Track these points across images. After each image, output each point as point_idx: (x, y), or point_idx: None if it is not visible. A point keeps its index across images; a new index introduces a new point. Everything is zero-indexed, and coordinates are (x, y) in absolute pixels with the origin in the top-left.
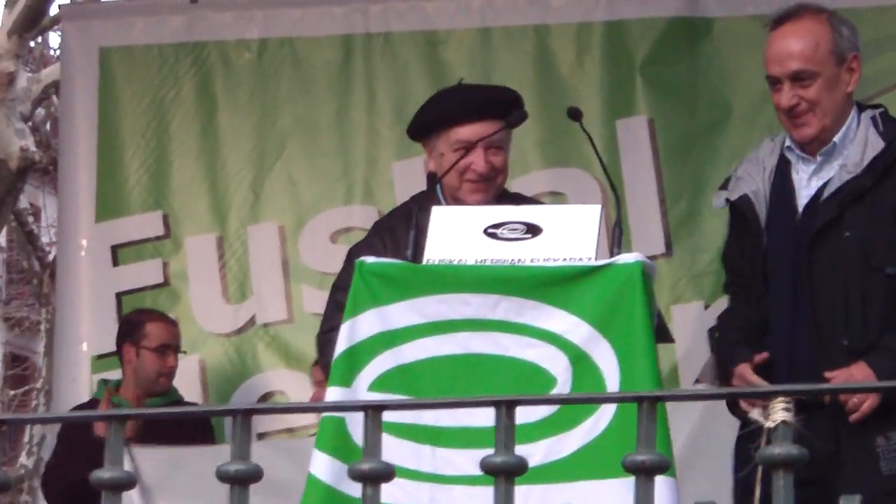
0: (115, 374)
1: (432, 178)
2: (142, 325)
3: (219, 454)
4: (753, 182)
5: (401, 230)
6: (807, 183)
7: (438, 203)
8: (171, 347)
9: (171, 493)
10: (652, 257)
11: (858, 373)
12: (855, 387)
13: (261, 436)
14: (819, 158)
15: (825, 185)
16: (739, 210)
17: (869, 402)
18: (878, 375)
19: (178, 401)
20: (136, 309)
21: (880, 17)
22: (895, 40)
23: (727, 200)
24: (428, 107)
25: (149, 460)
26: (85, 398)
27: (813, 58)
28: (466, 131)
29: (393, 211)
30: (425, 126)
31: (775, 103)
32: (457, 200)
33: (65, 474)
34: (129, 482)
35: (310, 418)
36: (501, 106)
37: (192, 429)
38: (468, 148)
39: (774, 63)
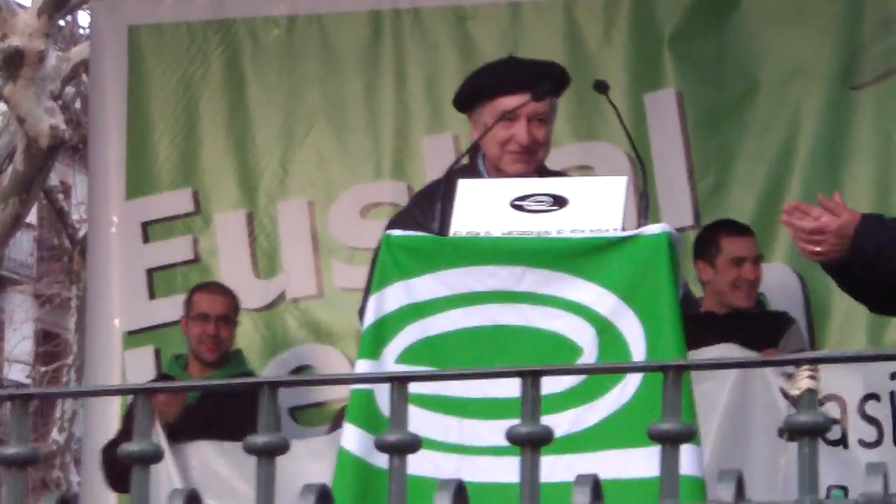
0: (148, 352)
1: (475, 148)
2: (191, 296)
3: None
4: None
5: (436, 202)
6: None
7: (478, 174)
8: (211, 317)
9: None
10: (681, 229)
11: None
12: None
13: (292, 411)
14: None
15: None
16: None
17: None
18: (861, 230)
19: (245, 373)
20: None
21: None
22: None
23: None
24: (474, 77)
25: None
26: (117, 375)
27: None
28: (509, 101)
29: (433, 182)
30: (470, 95)
31: None
32: (498, 172)
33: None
34: (156, 455)
35: (341, 392)
36: (547, 79)
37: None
38: (510, 118)
39: None
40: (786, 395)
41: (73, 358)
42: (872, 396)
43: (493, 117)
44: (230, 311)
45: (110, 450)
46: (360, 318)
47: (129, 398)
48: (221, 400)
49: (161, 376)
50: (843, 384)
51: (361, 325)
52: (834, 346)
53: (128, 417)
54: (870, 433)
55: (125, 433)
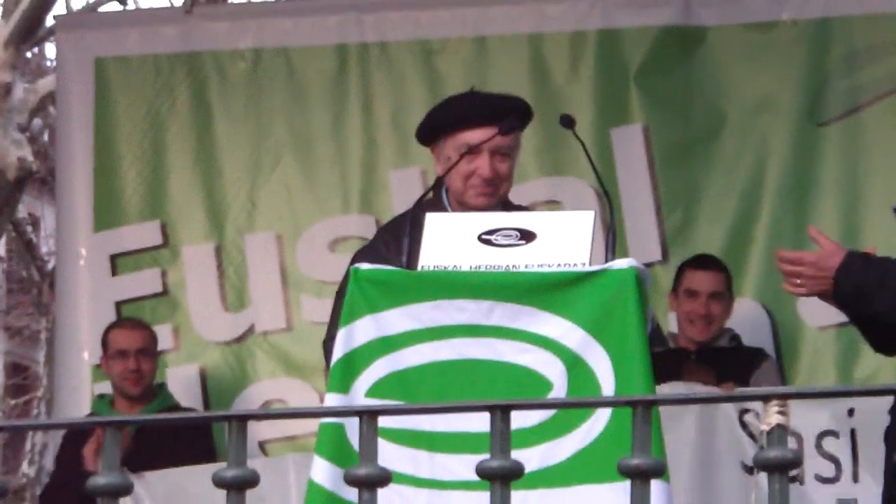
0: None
1: (438, 182)
2: (107, 336)
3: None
4: None
5: (403, 236)
6: None
7: (442, 208)
8: (130, 352)
9: None
10: (648, 265)
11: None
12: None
13: (262, 445)
14: None
15: None
16: None
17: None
18: (842, 268)
19: (173, 406)
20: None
21: (872, 25)
22: (887, 48)
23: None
24: (437, 110)
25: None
26: (86, 407)
27: None
28: (473, 135)
29: (398, 216)
30: (433, 128)
31: None
32: (462, 205)
33: (61, 500)
34: (125, 488)
35: (311, 425)
36: (510, 113)
37: (191, 436)
38: (474, 152)
39: None
40: (745, 427)
41: (42, 390)
42: (830, 433)
43: (456, 151)
44: (148, 343)
45: (48, 494)
46: (324, 351)
47: (59, 440)
48: (157, 434)
49: (92, 416)
50: (801, 420)
51: (326, 358)
52: (803, 382)
53: (60, 459)
54: (828, 469)
55: (62, 474)
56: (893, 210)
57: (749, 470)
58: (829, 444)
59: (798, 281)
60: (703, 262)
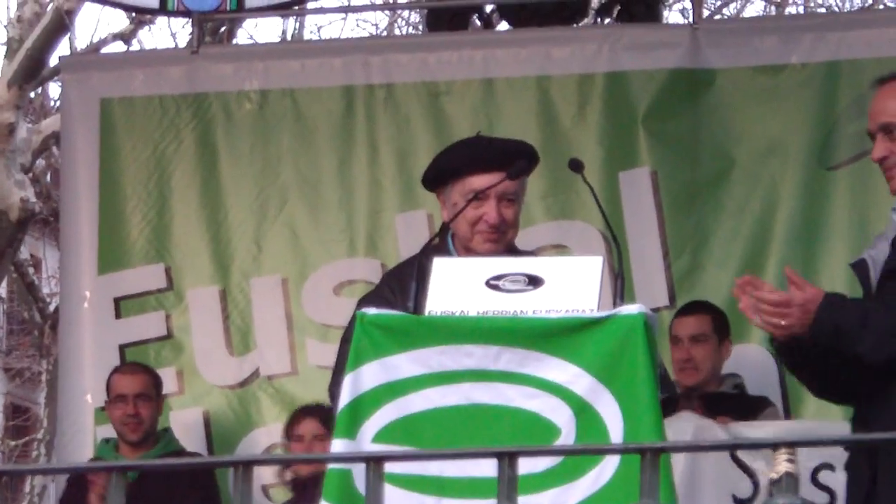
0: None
1: (444, 228)
2: (109, 381)
3: None
4: (875, 247)
5: (409, 281)
6: None
7: (448, 253)
8: (129, 397)
9: None
10: (655, 310)
11: (812, 291)
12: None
13: (265, 489)
14: None
15: None
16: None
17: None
18: (823, 308)
19: (176, 451)
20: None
21: (882, 68)
22: None
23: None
24: (443, 155)
25: None
26: (89, 450)
27: None
28: (479, 181)
29: (403, 262)
30: (439, 174)
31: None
32: (468, 251)
33: None
34: None
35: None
36: (517, 159)
37: (194, 482)
38: (480, 198)
39: (870, 118)
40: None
41: (42, 432)
42: (826, 466)
43: (462, 196)
44: (148, 388)
45: None
46: (329, 396)
47: (62, 483)
48: (158, 479)
49: (96, 459)
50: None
51: (332, 403)
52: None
53: (64, 503)
54: (821, 498)
55: None
56: (851, 266)
57: (740, 503)
58: (825, 477)
59: (783, 323)
60: (687, 307)
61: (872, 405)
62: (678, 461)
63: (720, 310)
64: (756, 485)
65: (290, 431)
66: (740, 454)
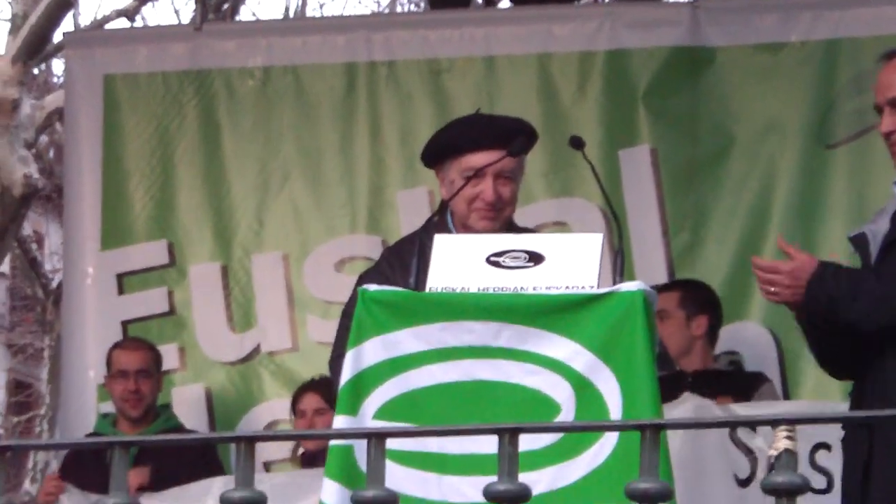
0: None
1: (443, 206)
2: (110, 355)
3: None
4: (875, 221)
5: (409, 258)
6: None
7: (448, 231)
8: (130, 372)
9: None
10: (655, 287)
11: (802, 258)
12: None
13: (267, 465)
14: None
15: None
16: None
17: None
18: (815, 277)
19: (175, 427)
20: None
21: (881, 46)
22: None
23: (849, 237)
24: (441, 133)
25: None
26: (91, 426)
27: None
28: (477, 159)
29: (403, 238)
30: (438, 152)
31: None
32: (466, 228)
33: None
34: None
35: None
36: (514, 136)
37: (195, 457)
38: (478, 175)
39: (877, 92)
40: (736, 442)
41: (45, 408)
42: (823, 446)
43: (459, 174)
44: (149, 365)
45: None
46: (330, 370)
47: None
48: (159, 456)
49: (94, 434)
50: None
51: (332, 377)
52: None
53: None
54: (819, 481)
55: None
56: (849, 239)
57: (742, 483)
58: (822, 458)
59: (773, 288)
60: (663, 286)
61: (867, 377)
62: (674, 443)
63: (700, 284)
64: (754, 461)
65: (294, 407)
66: (740, 435)
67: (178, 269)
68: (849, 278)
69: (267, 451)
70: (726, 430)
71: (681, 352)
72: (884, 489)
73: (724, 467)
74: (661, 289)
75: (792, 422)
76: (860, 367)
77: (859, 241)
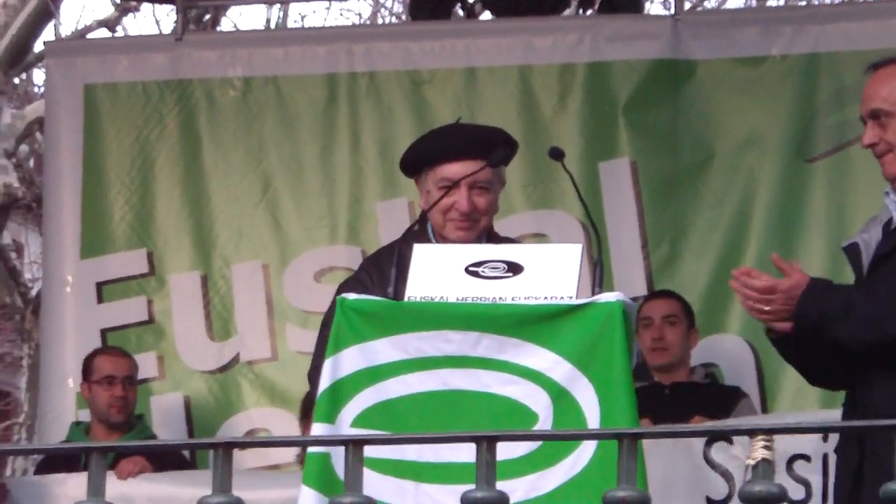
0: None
1: (423, 216)
2: (91, 361)
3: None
4: (868, 230)
5: (388, 267)
6: None
7: (427, 240)
8: (118, 378)
9: None
10: (634, 298)
11: (797, 277)
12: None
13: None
14: None
15: None
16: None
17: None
18: (806, 294)
19: (150, 438)
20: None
21: (861, 61)
22: None
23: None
24: (418, 143)
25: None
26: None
27: (889, 98)
28: (451, 169)
29: (382, 248)
30: (414, 162)
31: None
32: (443, 238)
33: None
34: None
35: (293, 455)
36: (490, 146)
37: (171, 467)
38: (452, 186)
39: (862, 102)
40: (712, 464)
41: (24, 416)
42: (801, 457)
43: (435, 184)
44: (133, 372)
45: None
46: (309, 381)
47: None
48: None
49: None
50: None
51: (311, 388)
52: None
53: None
54: (796, 491)
55: None
56: (843, 249)
57: None
58: (800, 468)
59: (768, 308)
60: (657, 293)
61: (859, 391)
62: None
63: (685, 300)
64: (732, 483)
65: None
66: (714, 455)
67: (158, 278)
68: (839, 295)
69: (245, 459)
70: (699, 452)
71: (681, 358)
72: (873, 498)
73: (698, 488)
74: (662, 296)
75: (768, 432)
76: (848, 381)
77: (852, 252)
